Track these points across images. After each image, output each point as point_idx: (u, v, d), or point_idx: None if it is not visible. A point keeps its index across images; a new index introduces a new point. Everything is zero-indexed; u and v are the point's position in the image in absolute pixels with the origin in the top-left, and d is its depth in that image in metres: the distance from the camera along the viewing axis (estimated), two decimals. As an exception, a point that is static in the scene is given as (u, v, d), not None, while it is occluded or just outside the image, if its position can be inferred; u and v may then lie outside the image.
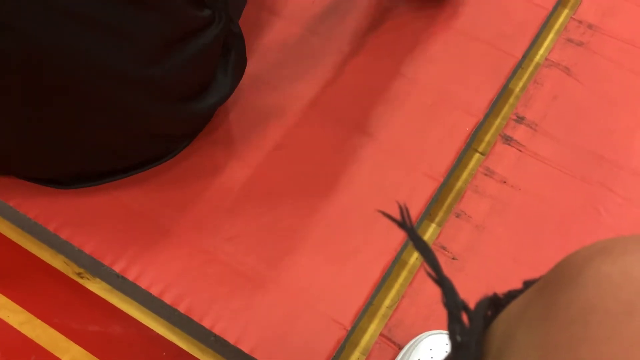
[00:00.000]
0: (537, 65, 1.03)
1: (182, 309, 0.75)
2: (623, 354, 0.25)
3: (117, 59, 0.67)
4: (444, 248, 0.85)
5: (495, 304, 0.33)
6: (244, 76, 0.89)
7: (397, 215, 0.36)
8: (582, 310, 0.26)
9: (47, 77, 0.66)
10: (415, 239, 0.34)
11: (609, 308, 0.26)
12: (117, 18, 0.65)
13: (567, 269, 0.29)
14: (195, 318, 0.75)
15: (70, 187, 0.82)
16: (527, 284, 0.33)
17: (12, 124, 0.71)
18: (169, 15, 0.70)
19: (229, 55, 0.82)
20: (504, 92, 1.00)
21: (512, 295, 0.34)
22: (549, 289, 0.29)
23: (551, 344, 0.26)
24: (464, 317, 0.32)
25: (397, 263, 0.85)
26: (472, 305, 0.34)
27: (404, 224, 0.34)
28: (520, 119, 0.96)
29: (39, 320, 0.78)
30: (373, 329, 0.81)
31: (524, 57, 1.01)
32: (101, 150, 0.79)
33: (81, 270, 0.82)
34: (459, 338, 0.31)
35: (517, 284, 0.36)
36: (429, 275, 0.33)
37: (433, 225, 0.89)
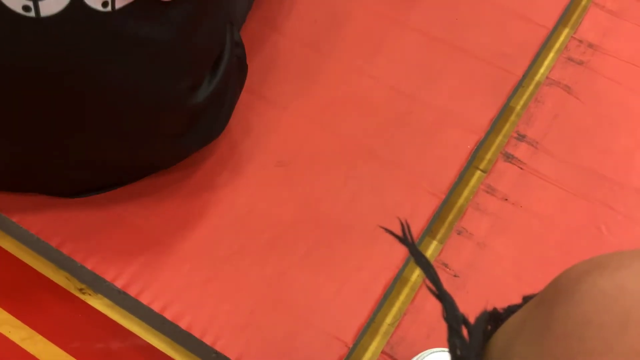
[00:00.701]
0: (538, 83, 1.04)
1: (183, 325, 0.75)
2: None
3: (162, 85, 0.69)
4: (445, 265, 0.85)
5: (495, 319, 0.34)
6: (246, 93, 0.89)
7: (399, 232, 0.36)
8: (578, 324, 0.27)
9: (79, 100, 0.67)
10: (416, 255, 0.34)
11: (603, 322, 0.26)
12: (171, 42, 0.67)
13: (564, 283, 0.29)
14: (197, 334, 0.75)
15: (75, 196, 0.82)
16: (526, 299, 0.33)
17: (26, 137, 0.72)
18: (215, 36, 0.73)
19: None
20: (505, 110, 1.01)
21: (511, 310, 0.34)
22: (547, 303, 0.29)
23: (548, 356, 0.27)
24: (464, 332, 0.32)
25: (398, 280, 0.85)
26: (470, 321, 0.34)
27: (405, 239, 0.34)
28: (521, 137, 0.97)
29: (40, 336, 0.78)
30: (375, 346, 0.80)
31: (525, 75, 1.02)
32: (116, 166, 0.80)
33: (83, 286, 0.82)
34: (459, 352, 0.31)
35: (519, 302, 0.36)
36: (430, 290, 0.33)
37: (435, 243, 0.89)
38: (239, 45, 0.84)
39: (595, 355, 0.25)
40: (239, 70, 0.85)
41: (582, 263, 0.30)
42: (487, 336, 0.33)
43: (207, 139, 0.84)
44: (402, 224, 0.35)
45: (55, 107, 0.67)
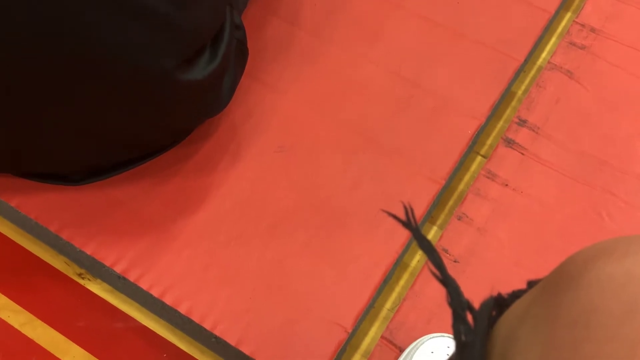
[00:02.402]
0: (540, 68, 1.03)
1: (183, 310, 0.75)
2: (625, 354, 0.24)
3: (159, 55, 0.68)
4: (445, 251, 0.85)
5: (499, 304, 0.33)
6: (246, 77, 0.89)
7: (401, 216, 0.35)
8: (584, 311, 0.26)
9: (82, 68, 0.66)
10: (419, 239, 0.34)
11: (611, 308, 0.26)
12: (171, 13, 0.67)
13: (570, 269, 0.29)
14: (196, 319, 0.75)
15: (80, 183, 0.81)
16: (531, 284, 0.33)
17: (34, 115, 0.71)
18: (214, 14, 0.73)
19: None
20: (506, 95, 1.00)
21: (516, 295, 0.33)
22: (552, 289, 0.29)
23: (554, 343, 0.26)
24: (469, 317, 0.32)
25: (398, 265, 0.85)
26: (475, 307, 0.34)
27: (408, 223, 0.34)
28: (522, 122, 0.96)
29: (39, 321, 0.78)
30: (374, 331, 0.80)
31: (527, 60, 1.01)
32: (118, 142, 0.79)
33: (82, 271, 0.82)
34: (464, 338, 0.30)
35: (519, 287, 0.36)
36: (434, 275, 0.33)
37: (435, 228, 0.89)
38: (239, 27, 0.84)
39: (602, 343, 0.25)
40: (240, 53, 0.85)
41: (588, 248, 0.29)
42: (492, 322, 0.32)
43: (205, 118, 0.84)
44: (405, 208, 0.34)
45: (48, 72, 0.66)
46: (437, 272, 0.33)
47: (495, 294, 0.34)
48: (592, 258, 0.28)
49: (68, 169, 0.81)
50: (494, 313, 0.33)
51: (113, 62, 0.66)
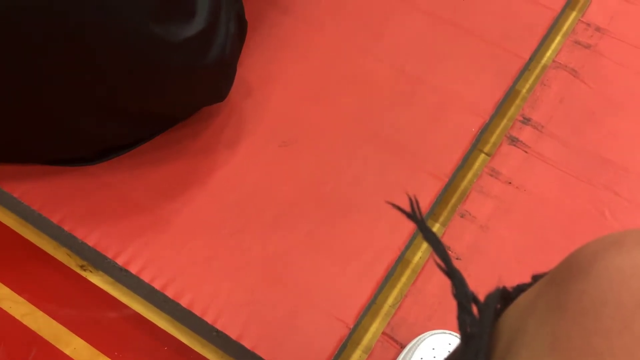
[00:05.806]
0: (544, 67, 1.03)
1: (184, 303, 0.75)
2: (636, 346, 0.24)
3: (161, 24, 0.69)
4: (447, 248, 0.85)
5: (504, 297, 0.33)
6: (251, 71, 0.89)
7: (406, 209, 0.35)
8: (594, 303, 0.26)
9: (96, 48, 0.66)
10: (425, 231, 0.33)
11: (621, 300, 0.26)
12: None
13: (578, 261, 0.29)
14: (198, 312, 0.75)
15: (96, 162, 0.82)
16: (536, 278, 0.33)
17: (46, 100, 0.71)
18: None
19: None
20: (511, 94, 1.00)
21: (521, 288, 0.33)
22: (560, 281, 0.29)
23: (563, 334, 0.26)
24: (474, 310, 0.32)
25: (400, 262, 0.84)
26: (480, 299, 0.34)
27: (413, 215, 0.34)
28: (526, 121, 0.96)
29: (41, 312, 0.78)
30: (375, 327, 0.80)
31: (532, 58, 1.01)
32: (135, 119, 0.80)
33: (84, 263, 0.82)
34: (469, 329, 0.30)
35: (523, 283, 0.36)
36: (439, 267, 0.33)
37: (437, 225, 0.88)
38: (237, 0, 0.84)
39: (612, 334, 0.25)
40: (240, 30, 0.85)
41: (597, 240, 0.29)
42: (497, 315, 0.32)
43: (216, 97, 0.85)
44: (410, 200, 0.34)
45: (61, 46, 0.66)
46: (442, 264, 0.33)
47: (500, 287, 0.33)
48: (601, 250, 0.28)
49: (84, 152, 0.82)
50: (499, 306, 0.33)
51: (118, 30, 0.67)
